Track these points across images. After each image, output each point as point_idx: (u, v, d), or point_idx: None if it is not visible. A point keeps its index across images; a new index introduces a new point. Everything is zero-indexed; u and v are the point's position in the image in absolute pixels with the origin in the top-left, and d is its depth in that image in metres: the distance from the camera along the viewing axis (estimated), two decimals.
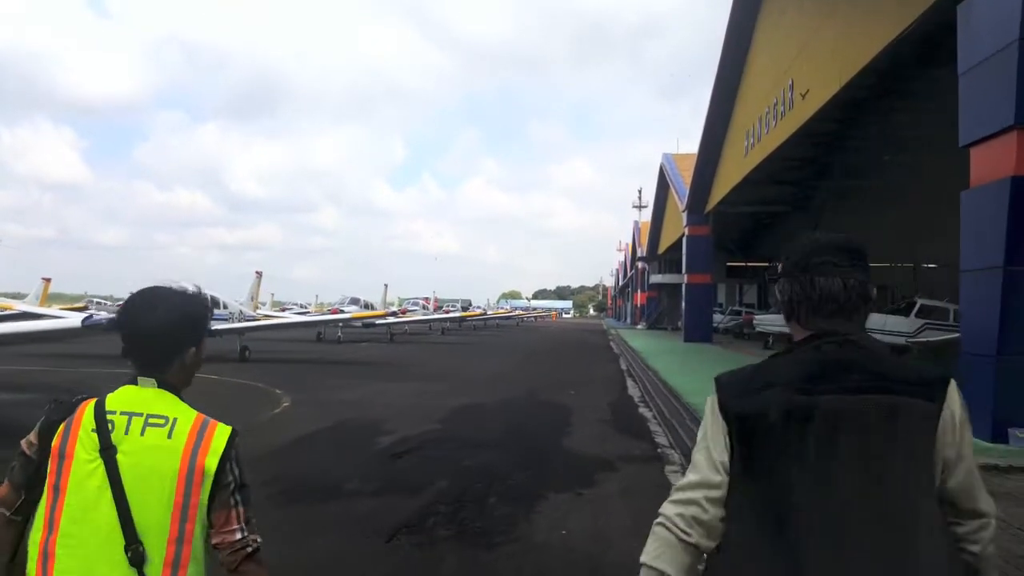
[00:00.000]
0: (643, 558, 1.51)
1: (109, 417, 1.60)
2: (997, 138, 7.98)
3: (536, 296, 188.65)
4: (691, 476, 1.54)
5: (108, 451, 1.56)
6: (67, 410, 1.63)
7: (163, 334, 1.68)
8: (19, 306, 24.52)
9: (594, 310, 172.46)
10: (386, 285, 43.91)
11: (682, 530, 1.48)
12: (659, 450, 8.60)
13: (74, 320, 9.97)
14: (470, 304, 72.21)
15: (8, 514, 1.65)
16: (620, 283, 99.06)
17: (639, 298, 67.29)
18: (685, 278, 32.54)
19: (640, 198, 73.97)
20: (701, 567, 1.53)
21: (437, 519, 5.53)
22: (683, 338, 31.43)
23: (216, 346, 19.33)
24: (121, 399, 1.64)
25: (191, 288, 1.80)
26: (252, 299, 31.44)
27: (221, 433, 1.64)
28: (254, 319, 25.79)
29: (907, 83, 15.12)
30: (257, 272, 32.33)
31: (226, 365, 17.46)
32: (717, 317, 37.48)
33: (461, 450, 8.25)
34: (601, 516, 5.76)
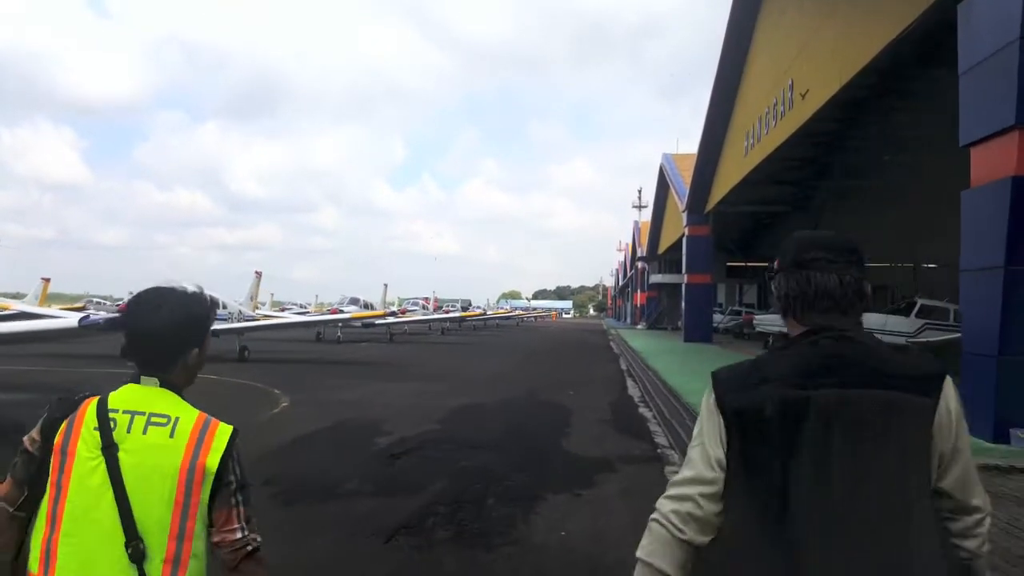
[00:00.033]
0: (639, 553, 1.54)
1: (111, 415, 1.61)
2: (997, 138, 7.96)
3: (536, 296, 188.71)
4: (686, 472, 1.55)
5: (110, 449, 1.57)
6: (70, 407, 1.64)
7: (167, 334, 1.68)
8: (18, 306, 24.49)
9: (594, 310, 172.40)
10: (386, 285, 43.88)
11: (676, 527, 1.49)
12: (659, 450, 8.57)
13: (71, 320, 9.95)
14: (470, 304, 72.15)
15: (11, 510, 1.65)
16: (620, 283, 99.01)
17: (639, 298, 67.24)
18: (685, 278, 32.51)
19: (640, 198, 74.02)
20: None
21: (436, 520, 5.51)
22: (683, 338, 31.40)
23: (215, 346, 19.26)
24: (123, 398, 1.65)
25: (194, 289, 1.80)
26: (251, 299, 31.40)
27: (222, 433, 1.65)
28: (253, 319, 25.78)
29: (907, 83, 15.11)
30: (256, 272, 32.30)
31: (225, 365, 17.42)
32: (717, 317, 37.46)
33: (460, 450, 8.22)
34: (600, 517, 5.73)
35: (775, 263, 1.64)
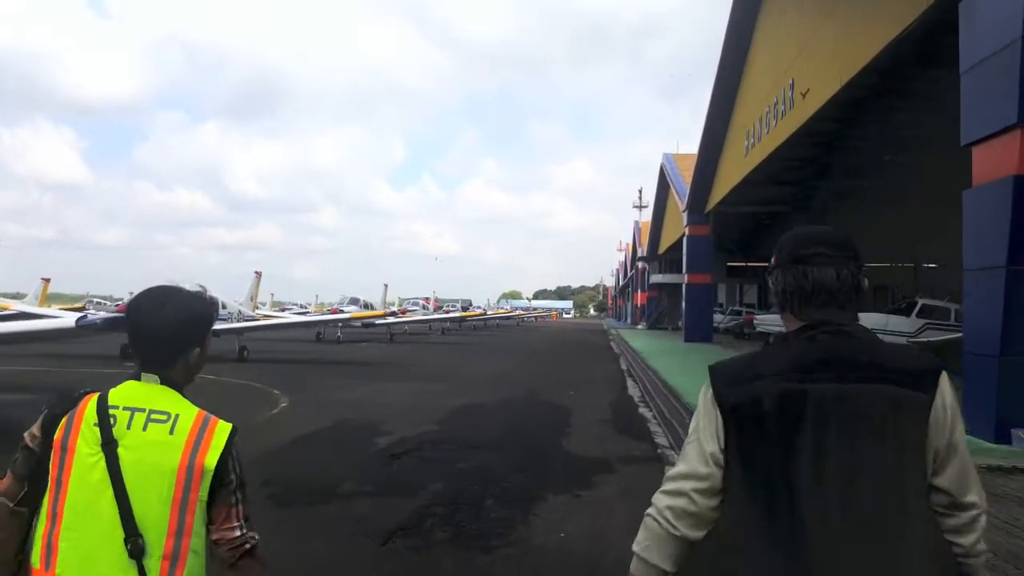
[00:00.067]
0: (635, 547, 1.56)
1: (111, 412, 1.61)
2: (999, 137, 7.91)
3: (536, 296, 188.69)
4: (681, 467, 1.55)
5: (110, 445, 1.58)
6: (70, 404, 1.64)
7: (169, 333, 1.69)
8: (17, 306, 24.50)
9: (594, 310, 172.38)
10: (386, 285, 43.91)
11: (670, 523, 1.51)
12: (659, 451, 8.53)
13: (68, 320, 9.93)
14: (470, 304, 72.12)
15: (11, 505, 1.65)
16: (620, 283, 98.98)
17: (639, 298, 67.20)
18: (685, 278, 32.47)
19: (640, 198, 73.98)
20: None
21: (434, 521, 5.48)
22: (683, 338, 31.36)
23: (214, 346, 19.21)
24: (124, 394, 1.65)
25: (197, 288, 1.79)
26: (251, 299, 31.38)
27: (222, 430, 1.65)
28: (253, 319, 25.76)
29: (908, 82, 15.07)
30: (256, 272, 32.29)
31: (224, 365, 17.38)
32: (717, 317, 37.42)
33: (459, 451, 8.19)
34: (600, 518, 5.70)
35: (772, 259, 1.64)
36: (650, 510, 1.56)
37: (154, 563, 1.55)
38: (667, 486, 1.56)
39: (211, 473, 1.61)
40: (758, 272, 43.48)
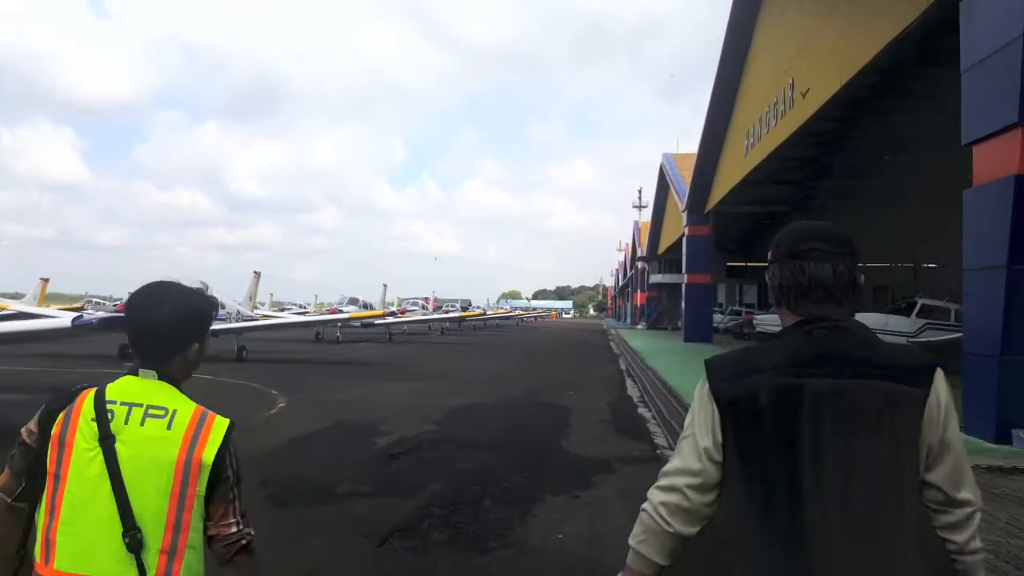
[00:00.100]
0: (631, 540, 1.59)
1: (109, 407, 1.61)
2: (1000, 136, 7.88)
3: (536, 296, 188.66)
4: (675, 462, 1.56)
5: (107, 440, 1.58)
6: (67, 399, 1.64)
7: (168, 329, 1.69)
8: (16, 306, 24.46)
9: (594, 310, 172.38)
10: (385, 285, 43.77)
11: (664, 519, 1.53)
12: (658, 451, 8.51)
13: (64, 320, 9.90)
14: (470, 304, 72.08)
15: (9, 500, 1.66)
16: (620, 283, 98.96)
17: (639, 298, 67.17)
18: (685, 278, 32.43)
19: (640, 198, 73.93)
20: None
21: (431, 522, 5.44)
22: (683, 338, 31.32)
23: (213, 346, 19.16)
24: (121, 389, 1.65)
25: (198, 285, 1.82)
26: (250, 299, 31.34)
27: (219, 426, 1.66)
28: (252, 319, 25.72)
29: (908, 82, 15.04)
30: (255, 272, 32.27)
31: (223, 365, 17.35)
32: (717, 317, 37.40)
33: (458, 451, 8.16)
34: (598, 519, 5.67)
35: (770, 253, 1.64)
36: (645, 505, 1.57)
37: (152, 557, 1.55)
38: (661, 481, 1.57)
39: (209, 468, 1.61)
40: (758, 272, 43.47)
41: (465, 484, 6.62)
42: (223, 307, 22.93)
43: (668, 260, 48.41)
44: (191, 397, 1.71)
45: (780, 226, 1.72)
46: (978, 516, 1.46)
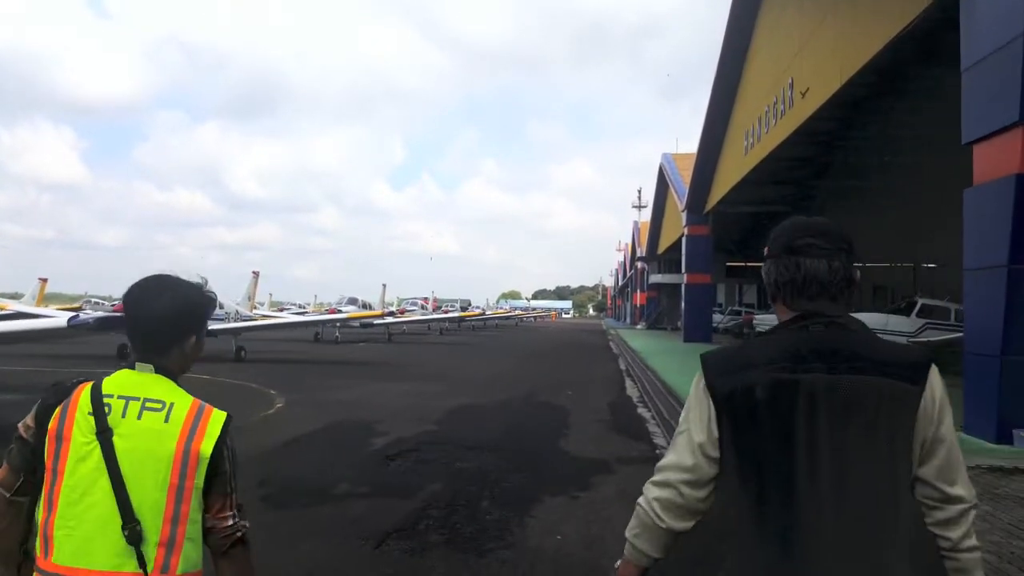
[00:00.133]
0: (627, 532, 1.61)
1: (106, 400, 1.61)
2: (1001, 135, 7.85)
3: (536, 296, 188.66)
4: (670, 457, 1.57)
5: (105, 434, 1.58)
6: (64, 393, 1.64)
7: (167, 320, 1.69)
8: (14, 306, 24.42)
9: (594, 310, 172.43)
10: (384, 285, 43.65)
11: (657, 515, 1.55)
12: (657, 451, 8.47)
13: (60, 320, 9.86)
14: (469, 304, 72.03)
15: (8, 495, 1.66)
16: (620, 283, 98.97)
17: (639, 298, 67.18)
18: (685, 278, 32.42)
19: (640, 198, 73.90)
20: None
21: (429, 523, 5.40)
22: (683, 338, 31.32)
23: (212, 346, 19.14)
24: (118, 383, 1.65)
25: (197, 280, 1.82)
26: (249, 299, 31.30)
27: (216, 419, 1.66)
28: (251, 319, 25.67)
29: (908, 81, 15.01)
30: (254, 272, 32.24)
31: (221, 365, 17.32)
32: (717, 317, 37.40)
33: (456, 452, 8.11)
34: (597, 520, 5.62)
35: (766, 248, 1.63)
36: (640, 499, 1.59)
37: (150, 550, 1.55)
38: (656, 476, 1.58)
39: (207, 460, 1.61)
40: (758, 272, 43.07)
41: (463, 485, 6.58)
42: (222, 307, 22.90)
43: (668, 260, 48.41)
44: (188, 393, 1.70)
45: None
46: (973, 514, 1.46)
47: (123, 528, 1.54)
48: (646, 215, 62.18)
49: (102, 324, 9.43)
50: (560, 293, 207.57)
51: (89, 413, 1.60)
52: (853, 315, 1.56)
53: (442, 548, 4.88)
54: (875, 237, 26.63)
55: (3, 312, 19.78)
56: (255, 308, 32.45)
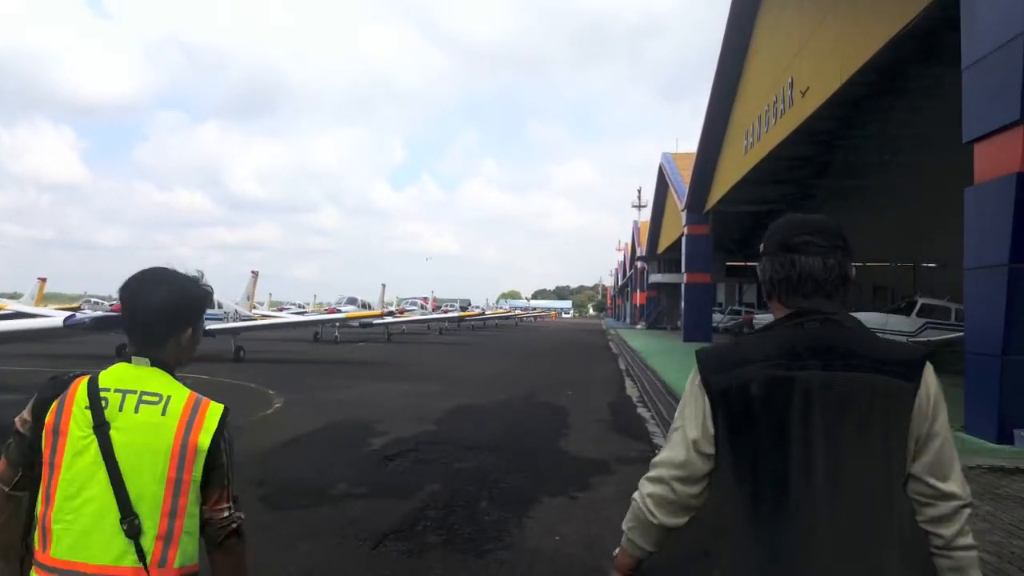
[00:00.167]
0: (623, 525, 1.64)
1: (103, 394, 1.61)
2: (1002, 133, 7.82)
3: (536, 296, 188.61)
4: (664, 453, 1.59)
5: (102, 428, 1.58)
6: (60, 387, 1.64)
7: (164, 312, 1.70)
8: (13, 306, 24.37)
9: (593, 310, 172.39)
10: (384, 285, 43.61)
11: (650, 511, 1.56)
12: (657, 451, 8.41)
13: (56, 320, 9.83)
14: (469, 304, 71.99)
15: (7, 489, 1.67)
16: (619, 283, 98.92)
17: (638, 298, 67.13)
18: (684, 277, 32.38)
19: (639, 197, 73.82)
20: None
21: (427, 524, 5.37)
22: (682, 338, 31.28)
23: (210, 346, 19.15)
24: (115, 376, 1.65)
25: (192, 273, 1.82)
26: (248, 299, 31.27)
27: (214, 411, 1.66)
28: (250, 319, 25.62)
29: (908, 80, 14.98)
30: (253, 272, 32.22)
31: (220, 365, 17.29)
32: (717, 317, 37.36)
33: (455, 452, 8.08)
34: (596, 521, 5.59)
35: (761, 246, 1.63)
36: (635, 494, 1.61)
37: (148, 543, 1.55)
38: (650, 472, 1.60)
39: (204, 453, 1.61)
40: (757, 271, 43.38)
41: (462, 485, 6.55)
42: (220, 306, 22.87)
43: (667, 260, 48.36)
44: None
45: None
46: (967, 512, 1.45)
47: (122, 522, 1.54)
48: (646, 215, 62.20)
49: (98, 324, 9.39)
50: (560, 293, 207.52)
51: (86, 407, 1.59)
52: (851, 314, 1.56)
53: (440, 549, 4.85)
54: (875, 236, 26.62)
55: (1, 312, 19.75)
56: (254, 308, 32.42)
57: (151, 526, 1.56)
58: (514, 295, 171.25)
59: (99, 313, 16.18)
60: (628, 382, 16.61)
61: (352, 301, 35.93)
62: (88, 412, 1.59)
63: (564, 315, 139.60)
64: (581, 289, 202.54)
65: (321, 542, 4.95)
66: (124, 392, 1.62)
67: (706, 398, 1.51)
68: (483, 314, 58.79)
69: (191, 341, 1.77)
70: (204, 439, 1.62)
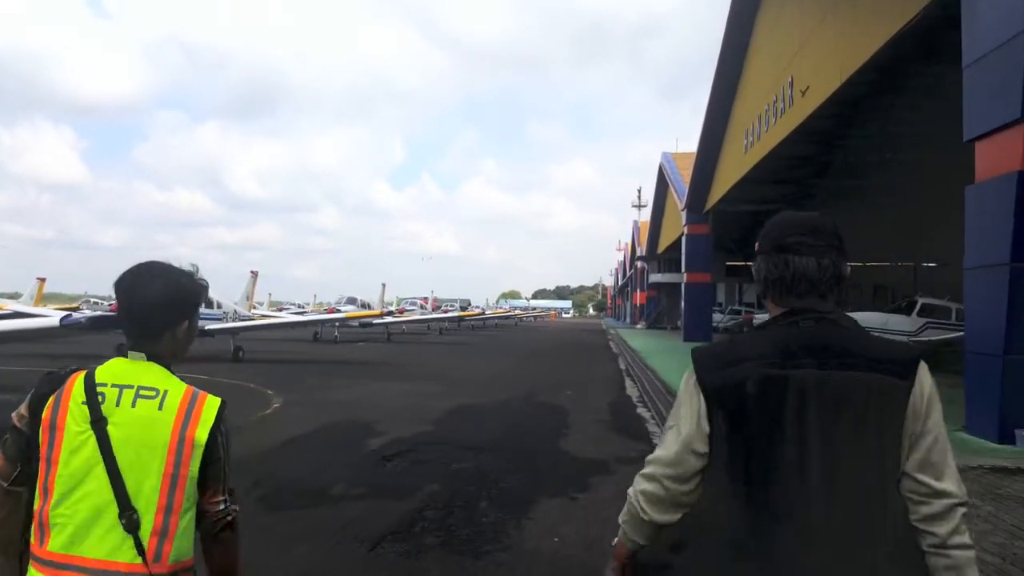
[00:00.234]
0: (620, 518, 1.67)
1: (100, 389, 1.61)
2: (1003, 132, 7.79)
3: (536, 296, 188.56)
4: (658, 451, 1.59)
5: (99, 423, 1.58)
6: (57, 382, 1.64)
7: (159, 305, 1.70)
8: (12, 306, 24.35)
9: (594, 310, 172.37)
10: (383, 285, 43.59)
11: (642, 507, 1.59)
12: None
13: (52, 320, 9.80)
14: (469, 304, 71.98)
15: (6, 485, 1.66)
16: (619, 283, 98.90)
17: (638, 297, 67.10)
18: (684, 277, 32.35)
19: (639, 197, 73.80)
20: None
21: (425, 525, 5.33)
22: (683, 337, 31.25)
23: (209, 346, 19.13)
24: (111, 371, 1.65)
25: (187, 268, 1.82)
26: (247, 299, 31.23)
27: (211, 405, 1.67)
28: (249, 319, 25.57)
29: (908, 79, 14.94)
30: (252, 272, 32.18)
31: (219, 366, 17.25)
32: (717, 316, 37.32)
33: (454, 452, 8.05)
34: (596, 522, 5.54)
35: (756, 244, 1.62)
36: (630, 489, 1.64)
37: (144, 538, 1.55)
38: (644, 469, 1.61)
39: (202, 447, 1.61)
40: None
41: (460, 486, 6.51)
42: (220, 306, 22.84)
43: (667, 259, 48.32)
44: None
45: None
46: (961, 511, 1.44)
47: (120, 516, 1.54)
48: (646, 214, 62.17)
49: (95, 324, 9.35)
50: (560, 293, 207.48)
51: (83, 402, 1.59)
52: (849, 313, 1.54)
53: (438, 550, 4.81)
54: (875, 236, 26.59)
55: (1, 312, 19.72)
56: (254, 308, 32.37)
57: (147, 521, 1.56)
58: (514, 295, 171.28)
59: (95, 313, 16.13)
60: (628, 382, 16.58)
61: (352, 301, 35.91)
62: (85, 407, 1.59)
63: (564, 315, 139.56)
64: (581, 289, 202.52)
65: (318, 543, 4.91)
66: (121, 387, 1.62)
67: (701, 397, 1.51)
68: (483, 314, 58.74)
69: (187, 335, 1.77)
70: (201, 433, 1.62)
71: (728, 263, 43.38)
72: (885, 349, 1.49)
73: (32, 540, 1.59)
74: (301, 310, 45.90)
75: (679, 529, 1.60)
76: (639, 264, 64.63)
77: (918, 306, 19.61)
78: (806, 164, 22.90)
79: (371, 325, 33.32)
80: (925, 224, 25.39)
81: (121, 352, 1.71)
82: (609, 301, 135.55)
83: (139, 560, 1.54)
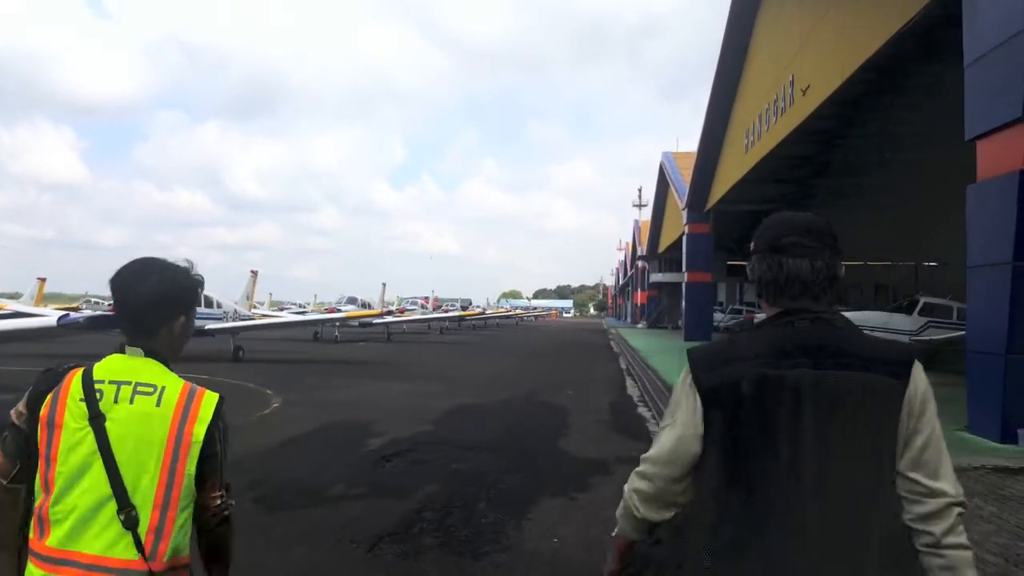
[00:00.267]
0: (617, 512, 1.68)
1: (98, 386, 1.61)
2: (1005, 130, 7.76)
3: (536, 296, 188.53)
4: (653, 450, 1.60)
5: (97, 419, 1.58)
6: (55, 379, 1.65)
7: (155, 302, 1.70)
8: (12, 306, 24.36)
9: (594, 309, 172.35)
10: (384, 284, 43.59)
11: (635, 505, 1.60)
12: None
13: (50, 319, 9.78)
14: (470, 303, 71.96)
15: (5, 482, 1.66)
16: (620, 282, 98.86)
17: (639, 297, 67.06)
18: (685, 277, 32.33)
19: (640, 197, 73.80)
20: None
21: (423, 526, 5.31)
22: (683, 337, 31.21)
23: (209, 346, 19.12)
24: (109, 368, 1.65)
25: (183, 263, 1.81)
26: (247, 298, 31.21)
27: (209, 401, 1.67)
28: (249, 318, 25.55)
29: (909, 78, 14.89)
30: (252, 271, 32.16)
31: (219, 365, 17.22)
32: (717, 316, 37.29)
33: (454, 452, 8.02)
34: (596, 522, 5.51)
35: (751, 244, 1.61)
36: (625, 486, 1.65)
37: (141, 534, 1.56)
38: (639, 467, 1.62)
39: (200, 444, 1.61)
40: None
41: (460, 486, 6.49)
42: (219, 306, 22.82)
43: (668, 259, 48.28)
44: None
45: None
46: (957, 510, 1.43)
47: (119, 513, 1.54)
48: (646, 214, 62.16)
49: (92, 323, 9.32)
50: (561, 292, 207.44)
51: (80, 399, 1.59)
52: (849, 312, 1.52)
53: (436, 551, 4.79)
54: (876, 235, 26.55)
55: (0, 312, 19.72)
56: (254, 308, 32.34)
57: (144, 518, 1.56)
58: (515, 295, 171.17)
59: (93, 313, 16.11)
60: (629, 381, 16.55)
61: (352, 301, 35.89)
62: (83, 404, 1.59)
63: (565, 314, 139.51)
64: (582, 288, 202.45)
65: (317, 543, 4.89)
66: (119, 383, 1.62)
67: (697, 396, 1.52)
68: (484, 314, 58.72)
69: (183, 330, 1.77)
70: (199, 429, 1.62)
71: (729, 262, 43.21)
72: (880, 349, 1.49)
73: (32, 535, 1.59)
74: (302, 310, 45.88)
75: (673, 527, 1.61)
76: (640, 263, 64.60)
77: (920, 305, 19.55)
78: (807, 163, 22.85)
79: (371, 325, 33.29)
80: (926, 223, 25.35)
81: (119, 349, 1.71)
82: (610, 301, 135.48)
83: (137, 556, 1.54)
